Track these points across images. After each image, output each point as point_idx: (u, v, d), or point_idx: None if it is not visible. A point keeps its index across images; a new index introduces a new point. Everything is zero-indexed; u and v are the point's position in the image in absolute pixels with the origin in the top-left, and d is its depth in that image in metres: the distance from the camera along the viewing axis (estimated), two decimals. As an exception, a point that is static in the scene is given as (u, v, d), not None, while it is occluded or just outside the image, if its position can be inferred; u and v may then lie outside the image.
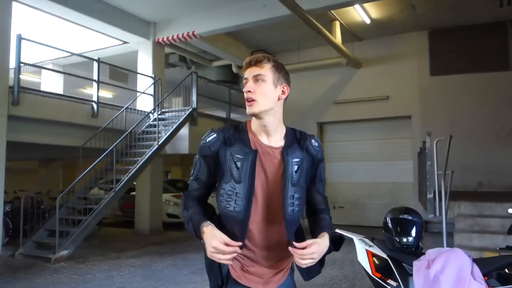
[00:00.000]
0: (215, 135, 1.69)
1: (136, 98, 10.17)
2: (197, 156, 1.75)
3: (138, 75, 10.66)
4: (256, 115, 1.64)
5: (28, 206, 8.55)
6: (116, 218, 12.63)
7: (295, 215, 1.67)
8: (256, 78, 1.63)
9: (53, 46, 9.05)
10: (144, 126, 9.77)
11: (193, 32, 9.91)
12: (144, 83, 10.46)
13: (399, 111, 11.39)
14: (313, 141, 1.76)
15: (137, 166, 8.62)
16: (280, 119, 1.71)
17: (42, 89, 10.03)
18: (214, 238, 1.51)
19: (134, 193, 11.09)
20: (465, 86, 10.67)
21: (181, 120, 9.57)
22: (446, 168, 5.77)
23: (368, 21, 10.43)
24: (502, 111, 10.24)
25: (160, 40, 10.52)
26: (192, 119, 9.99)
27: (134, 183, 10.43)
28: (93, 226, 8.12)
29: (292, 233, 1.70)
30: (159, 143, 9.03)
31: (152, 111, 10.06)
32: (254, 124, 1.71)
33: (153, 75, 10.43)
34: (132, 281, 5.82)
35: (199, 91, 10.30)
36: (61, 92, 10.02)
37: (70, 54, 9.82)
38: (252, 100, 1.63)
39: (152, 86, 10.34)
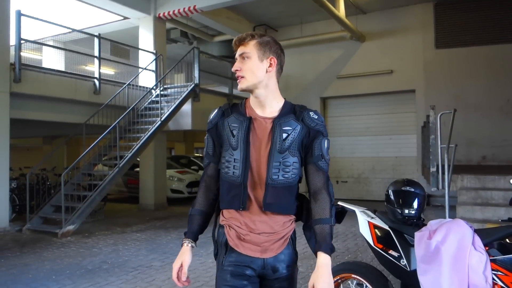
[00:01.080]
0: (216, 111, 1.84)
1: (138, 74, 10.12)
2: (206, 135, 1.89)
3: (140, 51, 10.57)
4: (246, 90, 1.74)
5: (34, 183, 8.66)
6: (121, 194, 12.76)
7: (279, 181, 1.69)
8: (242, 56, 1.73)
9: (53, 22, 8.96)
10: (147, 103, 9.75)
11: (194, 6, 9.76)
12: (146, 59, 10.38)
13: (403, 85, 11.28)
14: (311, 113, 1.78)
15: (140, 143, 8.65)
16: (273, 91, 1.76)
17: (43, 66, 9.97)
18: (178, 261, 1.78)
19: (138, 169, 11.17)
20: (470, 59, 10.53)
21: (183, 96, 9.54)
22: (450, 142, 5.75)
23: (372, -7, 10.22)
24: (507, 84, 10.13)
25: (161, 15, 10.38)
26: (194, 95, 9.95)
27: (138, 159, 10.49)
28: (98, 202, 8.21)
29: (281, 200, 1.71)
30: (162, 119, 9.03)
31: (154, 87, 10.01)
32: (251, 99, 1.81)
33: (154, 51, 10.34)
34: (138, 254, 5.92)
35: (201, 66, 10.23)
36: (62, 69, 9.97)
37: (70, 30, 9.73)
38: (240, 77, 1.73)
39: (154, 62, 10.27)
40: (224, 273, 1.74)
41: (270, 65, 1.74)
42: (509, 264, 2.41)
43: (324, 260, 1.63)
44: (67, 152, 13.64)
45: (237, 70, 1.74)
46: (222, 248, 1.78)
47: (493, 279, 2.41)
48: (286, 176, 1.70)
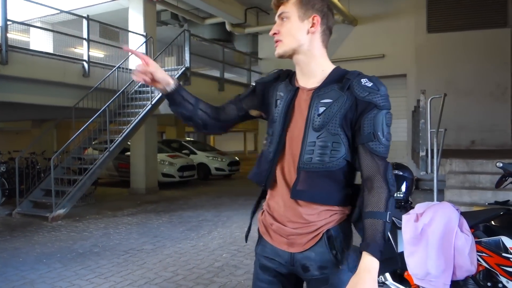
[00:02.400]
0: (275, 70, 1.65)
1: (128, 57, 9.97)
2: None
3: (129, 33, 10.41)
4: (284, 57, 1.51)
5: (23, 167, 8.59)
6: (112, 178, 12.73)
7: (313, 165, 1.40)
8: (281, 17, 1.49)
9: (41, 3, 8.76)
10: (137, 86, 9.65)
11: (184, -13, 9.60)
12: (136, 41, 10.23)
13: (394, 69, 11.28)
14: (363, 80, 1.42)
15: (131, 126, 8.59)
16: (317, 56, 1.49)
17: (31, 48, 9.79)
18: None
19: (129, 153, 11.12)
20: (462, 43, 10.53)
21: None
22: (439, 126, 5.79)
23: (365, -24, 10.13)
24: (497, 69, 10.17)
25: (151, -4, 10.20)
26: (185, 78, 9.86)
27: (129, 143, 10.44)
28: (89, 186, 8.18)
29: (315, 188, 1.42)
30: (153, 102, 8.97)
31: (145, 71, 9.88)
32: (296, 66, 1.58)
33: (144, 33, 10.19)
34: (129, 237, 5.94)
35: (192, 50, 10.12)
36: (51, 51, 9.80)
37: (59, 11, 9.52)
38: (277, 41, 1.50)
39: (144, 44, 10.12)
40: (255, 265, 1.59)
41: (313, 25, 1.46)
42: (494, 246, 2.45)
43: (368, 264, 1.28)
44: (57, 135, 13.52)
45: (274, 33, 1.50)
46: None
47: (478, 260, 2.46)
48: (323, 159, 1.40)
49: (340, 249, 1.42)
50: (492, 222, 2.56)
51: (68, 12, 9.57)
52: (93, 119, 8.30)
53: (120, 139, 8.40)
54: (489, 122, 10.16)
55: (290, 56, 1.50)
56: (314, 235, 1.42)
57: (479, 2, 10.40)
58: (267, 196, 1.58)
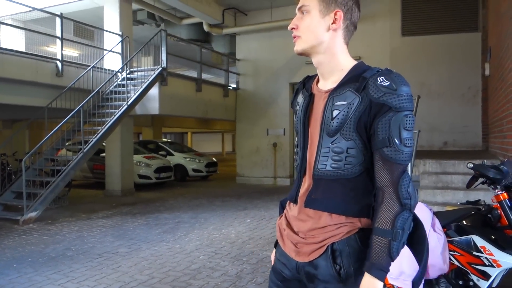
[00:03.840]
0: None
1: (103, 57, 9.80)
2: None
3: (105, 32, 10.24)
4: (303, 54, 1.41)
5: (-7, 168, 8.33)
6: (87, 179, 12.47)
7: (327, 172, 1.31)
8: (301, 11, 1.39)
9: (13, 0, 8.54)
10: (112, 86, 9.50)
11: (161, -13, 9.50)
12: (112, 41, 10.07)
13: (370, 71, 11.43)
14: (380, 78, 1.28)
15: (106, 127, 8.44)
16: (338, 55, 1.37)
17: (1, 46, 9.51)
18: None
19: (104, 154, 10.93)
20: (434, 47, 10.78)
21: (150, 79, 9.35)
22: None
23: (341, -21, 10.23)
24: (469, 72, 10.44)
25: (127, -5, 10.06)
26: (162, 78, 9.76)
27: (104, 144, 10.26)
28: (62, 188, 8.00)
29: (329, 196, 1.33)
30: (128, 103, 8.83)
31: (120, 70, 9.75)
32: None
33: (120, 33, 10.04)
34: (104, 240, 5.83)
35: (169, 50, 10.03)
36: (22, 49, 9.54)
37: (31, 9, 9.29)
38: (295, 37, 1.40)
39: (120, 44, 9.98)
40: (272, 266, 1.55)
41: (334, 21, 1.34)
42: (465, 245, 2.51)
43: (367, 285, 1.23)
44: (30, 136, 13.18)
45: (293, 28, 1.40)
46: None
47: (450, 259, 2.51)
48: (337, 166, 1.30)
49: (346, 265, 1.30)
50: (464, 222, 2.62)
51: (41, 10, 9.35)
52: (66, 120, 8.11)
53: (94, 140, 8.24)
54: (461, 123, 10.43)
55: (308, 54, 1.40)
56: (319, 246, 1.34)
57: (452, 7, 10.66)
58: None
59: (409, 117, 1.25)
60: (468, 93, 10.52)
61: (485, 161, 3.04)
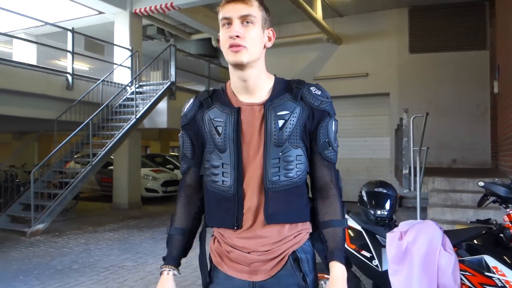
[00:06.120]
0: (191, 101, 1.45)
1: (112, 71, 9.93)
2: (180, 132, 1.48)
3: (115, 47, 10.38)
4: (243, 65, 1.32)
5: (2, 180, 8.39)
6: (94, 192, 12.51)
7: (281, 183, 1.32)
8: (244, 19, 1.29)
9: (26, 15, 8.71)
10: (122, 100, 9.59)
11: (171, 3, 9.64)
12: (121, 55, 10.20)
13: (377, 88, 11.46)
14: (312, 88, 1.38)
15: (114, 140, 8.49)
16: (264, 70, 1.39)
17: (13, 59, 9.67)
18: None
19: (112, 167, 10.97)
20: (441, 64, 10.79)
21: (159, 93, 9.43)
22: (422, 145, 5.88)
23: (349, -4, 10.35)
24: (477, 90, 10.41)
25: (138, 11, 10.21)
26: (170, 92, 9.85)
27: (112, 157, 10.31)
28: (70, 200, 8.02)
29: (288, 207, 1.35)
30: (137, 117, 8.90)
31: (130, 84, 9.86)
32: (233, 81, 1.39)
33: (130, 47, 10.17)
34: (110, 254, 5.82)
35: (178, 64, 10.12)
36: (34, 63, 9.69)
37: (43, 23, 9.47)
38: (241, 47, 1.29)
39: (129, 58, 10.10)
40: None
41: (269, 38, 1.38)
42: (477, 265, 2.47)
43: (339, 272, 1.30)
44: (39, 148, 13.30)
45: (237, 36, 1.28)
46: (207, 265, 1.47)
47: (461, 279, 2.47)
48: (290, 175, 1.32)
49: (308, 270, 1.36)
50: (475, 241, 2.59)
51: (53, 25, 9.52)
52: (75, 132, 8.18)
53: (103, 153, 8.29)
54: (470, 141, 10.37)
55: (245, 67, 1.32)
56: (279, 259, 1.34)
57: (459, 25, 10.70)
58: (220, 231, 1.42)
59: (336, 121, 1.41)
60: (477, 111, 10.49)
61: (496, 179, 3.01)
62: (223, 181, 1.35)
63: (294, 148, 1.33)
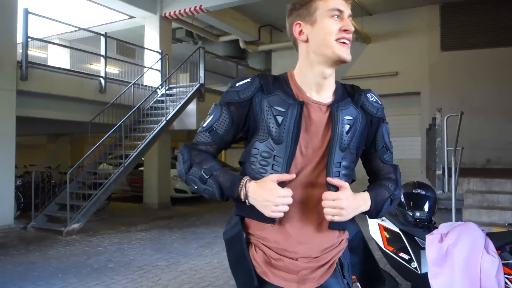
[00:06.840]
0: (248, 80, 1.31)
1: (143, 74, 10.13)
2: (217, 103, 1.34)
3: (145, 50, 10.59)
4: (345, 62, 1.31)
5: (39, 181, 8.67)
6: (125, 193, 12.77)
7: None
8: (350, 17, 1.31)
9: (60, 21, 8.99)
10: (152, 102, 9.77)
11: (200, 6, 9.76)
12: (151, 58, 10.40)
13: (408, 87, 11.26)
14: (369, 95, 1.37)
15: (146, 142, 8.66)
16: None
17: (49, 64, 10.00)
18: (273, 187, 1.20)
19: (142, 168, 11.18)
20: (476, 61, 10.50)
21: (188, 95, 9.55)
22: (457, 145, 5.74)
23: (378, -6, 10.22)
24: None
25: (167, 14, 10.38)
26: (199, 94, 9.96)
27: (143, 158, 10.51)
28: (103, 200, 8.22)
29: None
30: (167, 118, 9.04)
31: (160, 87, 10.03)
32: (309, 75, 1.31)
33: (160, 50, 10.35)
34: (143, 253, 5.93)
35: (206, 66, 10.23)
36: (68, 67, 9.99)
37: (77, 28, 9.75)
38: (350, 42, 1.30)
39: (159, 61, 10.28)
40: None
41: None
42: (522, 268, 2.40)
43: (364, 197, 1.30)
44: (71, 150, 13.66)
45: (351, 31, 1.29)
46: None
47: (505, 283, 2.40)
48: (346, 180, 1.30)
49: (349, 276, 1.36)
50: (519, 244, 2.51)
51: (87, 30, 9.79)
52: (109, 134, 8.39)
53: (135, 154, 8.46)
54: (504, 140, 10.05)
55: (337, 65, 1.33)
56: (328, 266, 1.31)
57: (492, 21, 10.40)
58: (255, 227, 1.31)
59: (388, 125, 1.43)
60: (512, 109, 10.16)
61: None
62: (271, 172, 1.26)
63: (351, 154, 1.33)
